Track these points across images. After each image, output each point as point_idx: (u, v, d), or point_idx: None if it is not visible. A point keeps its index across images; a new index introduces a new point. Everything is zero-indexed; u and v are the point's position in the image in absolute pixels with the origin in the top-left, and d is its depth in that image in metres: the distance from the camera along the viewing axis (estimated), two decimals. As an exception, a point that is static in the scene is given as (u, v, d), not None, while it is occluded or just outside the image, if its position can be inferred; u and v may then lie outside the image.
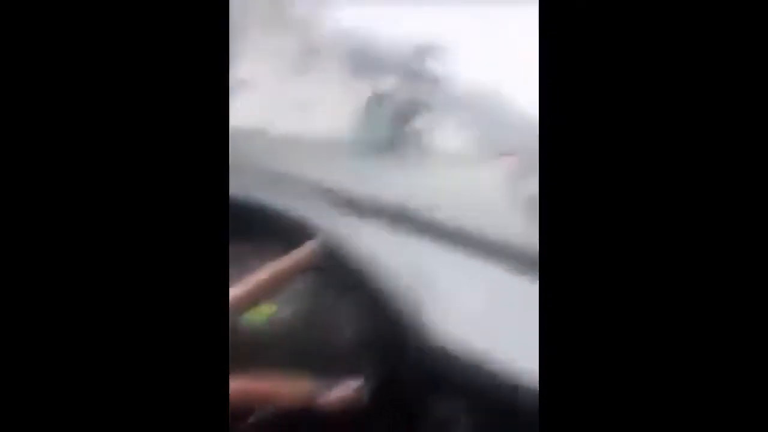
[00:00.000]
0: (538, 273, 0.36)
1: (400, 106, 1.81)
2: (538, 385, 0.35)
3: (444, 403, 0.57)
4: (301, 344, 0.60)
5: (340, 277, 0.61)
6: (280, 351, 0.59)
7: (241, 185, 0.61)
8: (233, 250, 0.50)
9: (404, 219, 0.84)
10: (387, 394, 0.58)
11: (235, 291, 0.51)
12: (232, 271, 0.48)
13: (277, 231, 0.65)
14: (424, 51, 1.82)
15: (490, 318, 0.63)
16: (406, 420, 0.58)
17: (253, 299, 0.53)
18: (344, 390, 0.51)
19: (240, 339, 0.65)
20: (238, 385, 0.47)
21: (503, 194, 1.47)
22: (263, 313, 0.65)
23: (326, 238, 0.60)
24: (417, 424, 0.58)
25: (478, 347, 0.55)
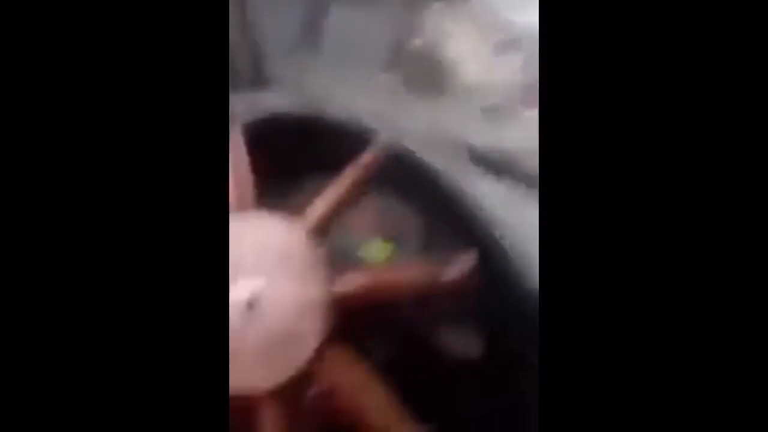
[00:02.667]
0: None
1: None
2: None
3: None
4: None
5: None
6: None
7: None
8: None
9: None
10: (498, 345, 0.59)
11: (315, 211, 0.53)
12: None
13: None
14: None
15: None
16: (516, 372, 0.59)
17: (335, 213, 0.54)
18: (462, 264, 0.51)
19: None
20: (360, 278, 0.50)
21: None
22: (385, 250, 0.68)
23: (386, 142, 0.59)
24: (526, 378, 0.59)
25: None
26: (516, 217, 0.60)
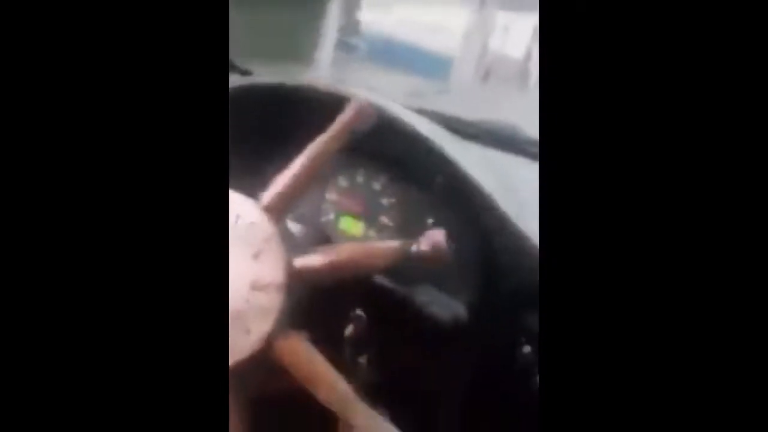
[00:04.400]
0: None
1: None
2: None
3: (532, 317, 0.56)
4: None
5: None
6: None
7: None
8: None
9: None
10: (484, 308, 0.58)
11: (275, 187, 0.50)
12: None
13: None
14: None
15: None
16: (505, 334, 0.58)
17: (298, 189, 0.51)
18: (432, 237, 0.48)
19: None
20: (327, 256, 0.48)
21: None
22: (356, 227, 0.66)
23: (363, 101, 0.55)
24: (515, 340, 0.57)
25: None
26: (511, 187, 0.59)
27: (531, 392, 0.54)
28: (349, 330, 0.56)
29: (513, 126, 0.81)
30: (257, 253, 0.48)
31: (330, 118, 0.53)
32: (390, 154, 0.64)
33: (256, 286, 0.47)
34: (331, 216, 0.67)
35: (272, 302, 0.46)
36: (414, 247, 0.47)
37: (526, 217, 0.54)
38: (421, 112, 0.69)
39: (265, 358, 0.46)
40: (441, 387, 0.49)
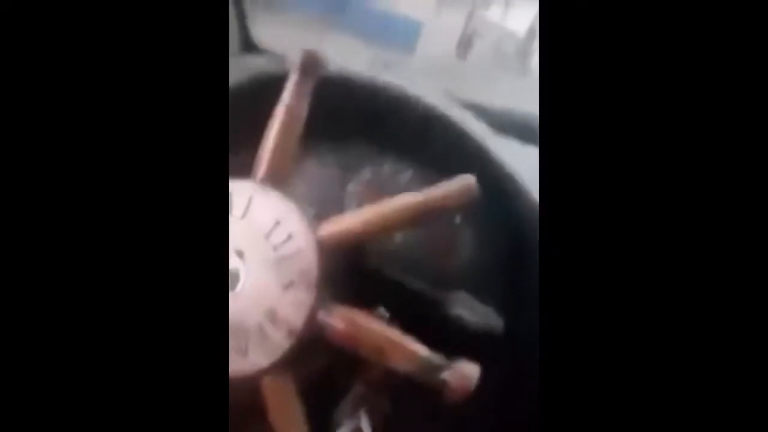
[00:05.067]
0: None
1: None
2: None
3: None
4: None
5: None
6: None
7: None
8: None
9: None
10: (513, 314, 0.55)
11: (260, 162, 0.49)
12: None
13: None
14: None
15: None
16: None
17: (284, 155, 0.50)
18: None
19: None
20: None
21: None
22: None
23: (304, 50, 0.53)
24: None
25: None
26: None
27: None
28: None
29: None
30: (289, 285, 0.45)
31: None
32: (418, 147, 0.61)
33: (272, 318, 0.45)
34: (354, 207, 0.64)
35: (281, 343, 0.44)
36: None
37: None
38: (459, 101, 0.66)
39: (315, 338, 0.45)
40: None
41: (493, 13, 3.04)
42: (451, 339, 0.52)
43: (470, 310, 0.54)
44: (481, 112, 0.68)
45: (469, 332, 0.53)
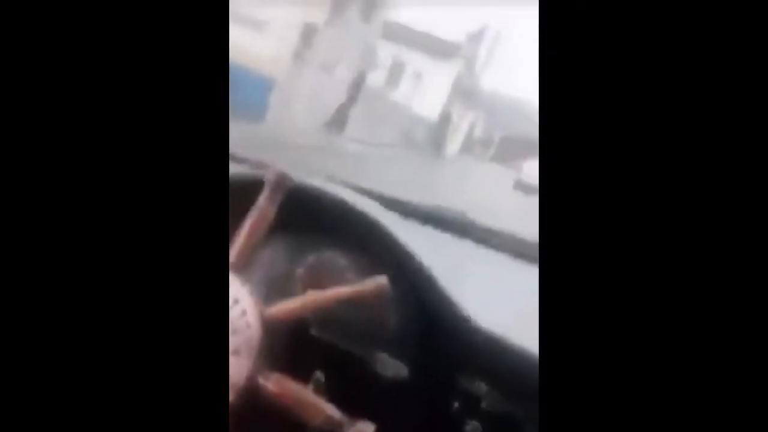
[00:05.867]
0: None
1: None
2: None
3: (471, 381, 0.69)
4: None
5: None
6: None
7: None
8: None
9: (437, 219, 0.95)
10: (423, 370, 0.70)
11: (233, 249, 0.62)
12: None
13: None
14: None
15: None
16: (441, 393, 0.70)
17: (250, 248, 0.64)
18: (371, 282, 0.63)
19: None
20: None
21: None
22: None
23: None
24: (449, 398, 0.70)
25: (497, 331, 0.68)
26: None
27: None
28: (310, 387, 0.67)
29: (462, 212, 0.97)
30: (235, 352, 0.58)
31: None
32: (348, 240, 0.78)
33: (235, 331, 0.58)
34: (299, 288, 0.79)
35: (253, 339, 0.58)
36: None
37: (466, 296, 0.68)
38: (364, 192, 0.84)
39: (252, 396, 0.57)
40: None
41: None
42: (371, 389, 0.66)
43: (385, 365, 0.69)
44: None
45: (385, 383, 0.68)
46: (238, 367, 0.58)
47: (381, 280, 0.64)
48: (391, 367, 0.68)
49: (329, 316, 0.69)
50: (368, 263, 0.74)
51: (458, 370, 0.70)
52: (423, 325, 0.72)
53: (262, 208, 0.66)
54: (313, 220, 0.77)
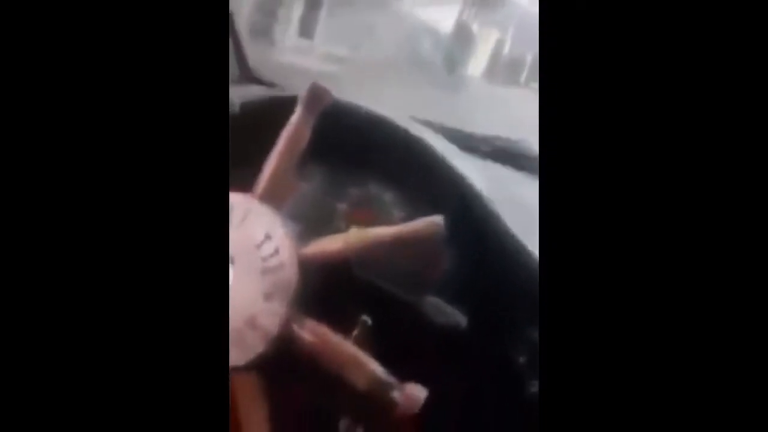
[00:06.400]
0: None
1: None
2: None
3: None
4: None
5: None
6: None
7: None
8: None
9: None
10: (484, 318, 0.61)
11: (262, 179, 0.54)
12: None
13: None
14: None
15: None
16: (504, 346, 0.61)
17: (283, 176, 0.56)
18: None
19: None
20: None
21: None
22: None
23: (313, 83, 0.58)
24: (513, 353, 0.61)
25: None
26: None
27: (525, 400, 0.57)
28: (355, 333, 0.59)
29: (519, 141, 0.85)
30: (269, 295, 0.51)
31: None
32: (399, 167, 0.67)
33: (251, 324, 0.50)
34: (342, 226, 0.71)
35: (256, 347, 0.50)
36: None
37: (529, 232, 0.57)
38: (429, 125, 0.72)
39: (286, 347, 0.50)
40: (441, 393, 0.52)
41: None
42: (422, 340, 0.58)
43: (438, 311, 0.60)
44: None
45: (438, 332, 0.59)
46: (270, 314, 0.50)
47: (435, 219, 0.53)
48: (446, 314, 0.59)
49: (374, 256, 0.59)
50: (420, 199, 0.64)
51: (525, 320, 0.60)
52: (485, 269, 0.61)
53: (296, 127, 0.56)
54: (356, 146, 0.66)
